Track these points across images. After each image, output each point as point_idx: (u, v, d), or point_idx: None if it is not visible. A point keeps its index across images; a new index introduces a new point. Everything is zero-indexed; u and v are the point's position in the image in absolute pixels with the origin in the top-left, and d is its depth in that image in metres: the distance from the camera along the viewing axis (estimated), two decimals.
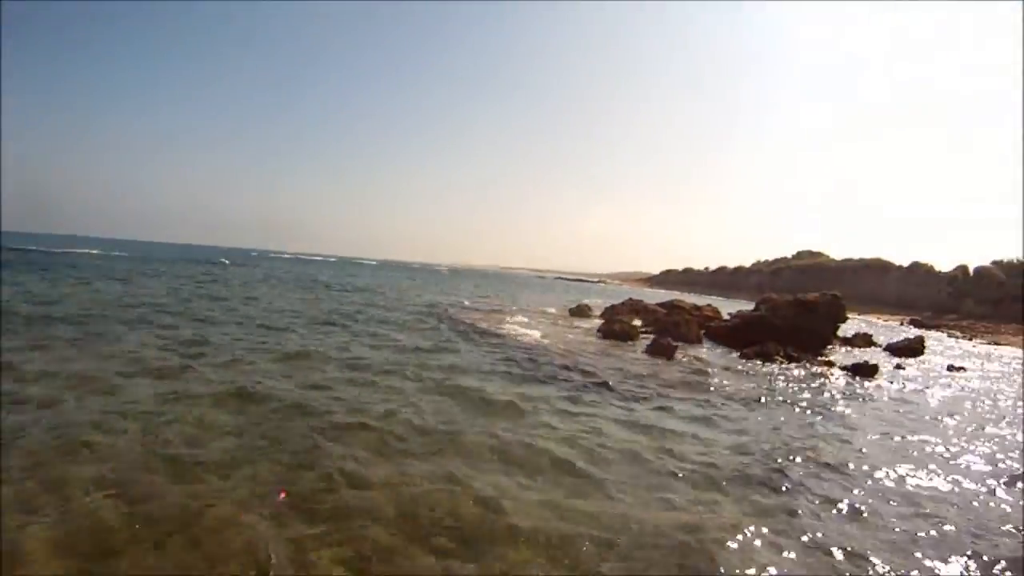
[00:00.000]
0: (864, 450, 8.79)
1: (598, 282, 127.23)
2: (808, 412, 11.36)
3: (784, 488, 6.73)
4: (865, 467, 7.84)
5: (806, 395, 13.10)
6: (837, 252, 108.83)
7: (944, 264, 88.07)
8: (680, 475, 6.80)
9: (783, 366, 16.90)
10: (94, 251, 64.48)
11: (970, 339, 43.89)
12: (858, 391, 14.27)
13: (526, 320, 24.07)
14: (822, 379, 15.48)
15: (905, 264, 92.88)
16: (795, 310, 21.47)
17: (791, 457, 7.93)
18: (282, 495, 5.27)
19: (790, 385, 14.23)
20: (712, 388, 12.77)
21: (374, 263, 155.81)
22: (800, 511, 6.07)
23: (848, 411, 11.77)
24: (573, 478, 6.45)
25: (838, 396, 13.34)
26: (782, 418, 10.61)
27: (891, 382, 16.27)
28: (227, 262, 63.66)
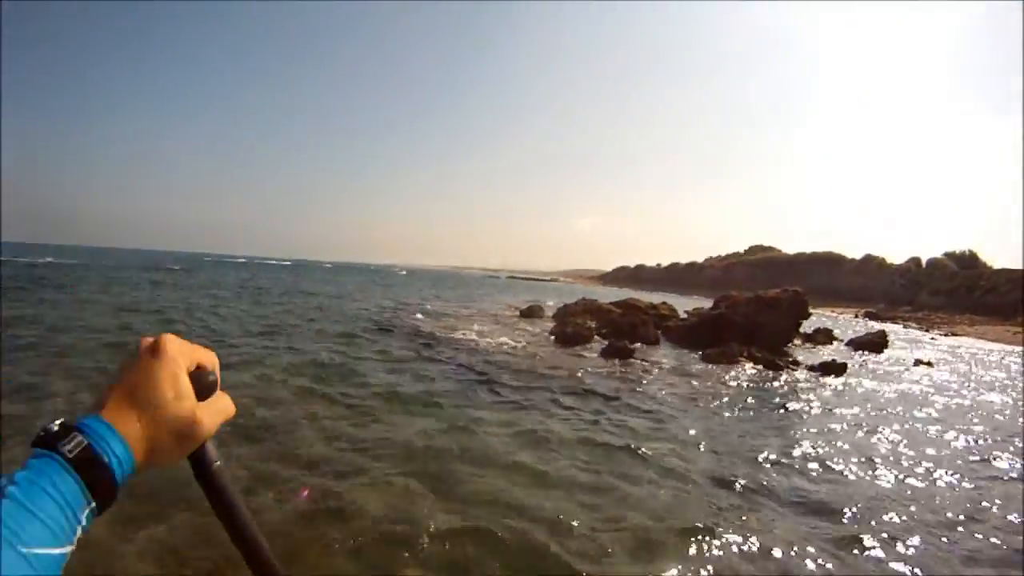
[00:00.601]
0: (853, 462, 7.49)
1: (551, 281, 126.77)
2: (777, 418, 10.20)
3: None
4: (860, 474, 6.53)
5: (774, 399, 11.80)
6: (789, 247, 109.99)
7: (896, 256, 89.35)
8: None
9: (747, 368, 15.61)
10: (45, 259, 60.86)
11: (927, 330, 43.88)
12: (830, 393, 13.08)
13: (474, 324, 22.44)
14: (790, 381, 14.20)
15: (858, 257, 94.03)
16: (756, 307, 20.30)
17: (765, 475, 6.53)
18: (305, 493, 4.90)
19: (757, 390, 12.87)
20: (673, 395, 11.37)
21: (329, 266, 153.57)
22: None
23: (822, 415, 10.63)
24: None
25: (810, 399, 12.07)
26: (752, 428, 9.22)
27: (862, 381, 15.23)
28: (177, 267, 61.65)
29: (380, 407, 8.72)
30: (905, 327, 45.50)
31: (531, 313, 27.15)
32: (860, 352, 22.74)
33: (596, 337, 19.18)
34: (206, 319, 18.14)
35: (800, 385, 13.79)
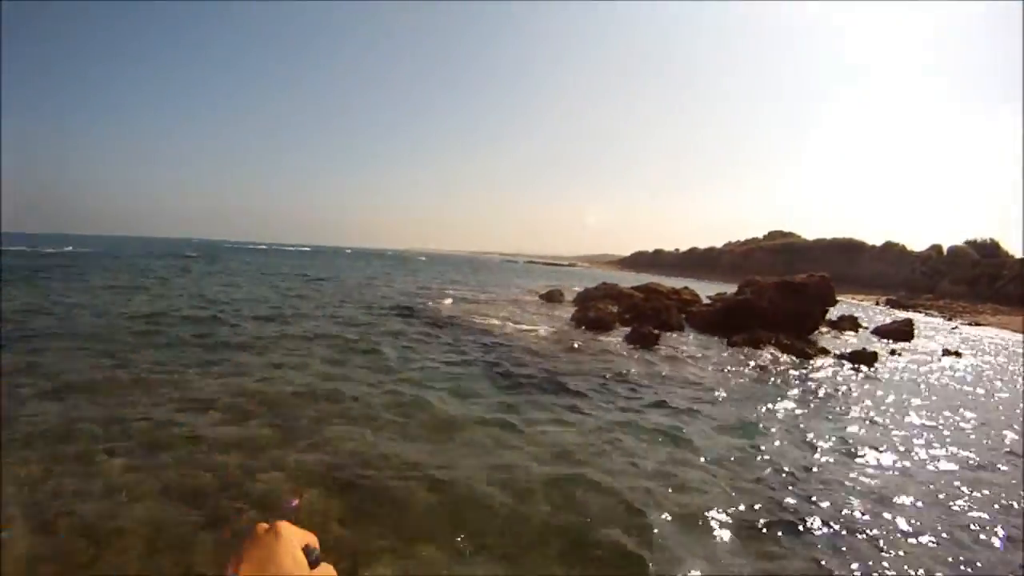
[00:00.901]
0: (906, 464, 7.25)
1: (569, 265, 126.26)
2: (814, 408, 9.94)
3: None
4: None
5: (807, 389, 11.56)
6: (809, 232, 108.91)
7: (917, 244, 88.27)
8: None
9: (776, 356, 15.34)
10: (67, 249, 61.34)
11: (949, 319, 43.22)
12: (863, 382, 12.80)
13: (498, 310, 22.30)
14: (821, 370, 13.94)
15: (878, 244, 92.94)
16: (782, 293, 19.92)
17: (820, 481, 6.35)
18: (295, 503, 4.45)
19: (788, 378, 12.63)
20: (702, 383, 11.15)
21: (349, 251, 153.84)
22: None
23: (858, 406, 10.35)
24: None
25: (844, 390, 11.82)
26: (790, 418, 9.01)
27: (893, 370, 14.97)
28: (194, 254, 61.74)
29: (412, 394, 8.64)
30: (927, 315, 44.89)
31: (552, 298, 26.96)
32: (886, 340, 22.37)
33: (619, 323, 18.96)
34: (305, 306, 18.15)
35: (831, 375, 13.53)
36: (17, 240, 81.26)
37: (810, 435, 8.12)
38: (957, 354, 19.68)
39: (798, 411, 9.66)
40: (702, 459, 6.70)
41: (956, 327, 35.97)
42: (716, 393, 10.40)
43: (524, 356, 12.56)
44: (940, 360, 18.13)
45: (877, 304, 55.76)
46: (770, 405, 9.88)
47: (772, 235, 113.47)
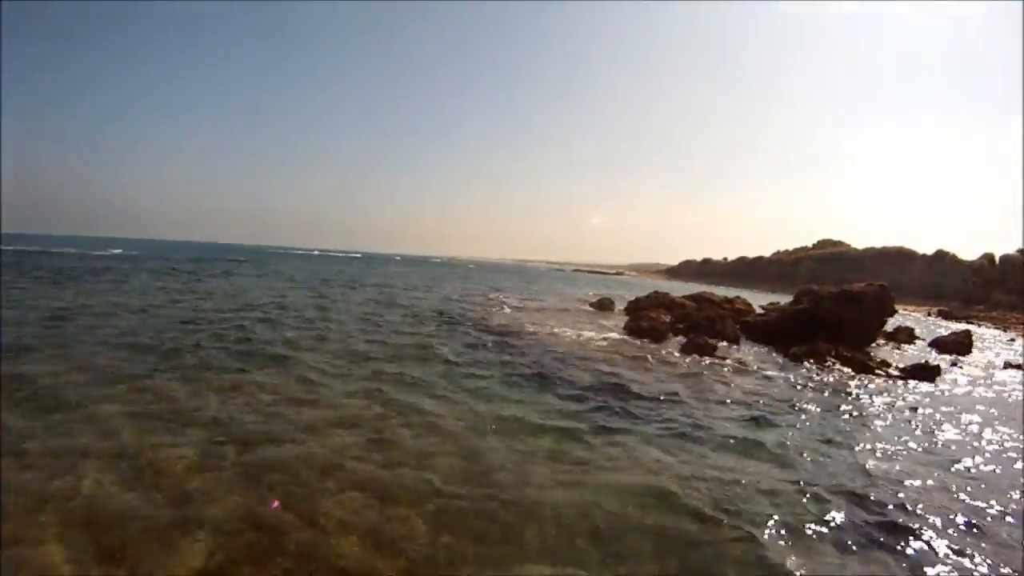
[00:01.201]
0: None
1: (616, 274, 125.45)
2: (888, 427, 9.80)
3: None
4: None
5: (878, 404, 11.51)
6: (859, 241, 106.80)
7: (969, 252, 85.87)
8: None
9: (837, 368, 15.18)
10: (115, 250, 63.59)
11: (1004, 330, 42.08)
12: (930, 399, 12.57)
13: (548, 319, 22.48)
14: (885, 384, 13.78)
15: (929, 252, 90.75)
16: (840, 302, 19.65)
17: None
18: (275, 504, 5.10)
19: (855, 394, 12.43)
20: (767, 397, 11.14)
21: (399, 258, 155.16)
22: None
23: (932, 424, 10.15)
24: None
25: (912, 406, 11.60)
26: (872, 437, 8.96)
27: (956, 385, 14.70)
28: (242, 259, 63.55)
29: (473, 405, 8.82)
30: (981, 327, 43.75)
31: (603, 306, 27.08)
32: (945, 354, 21.93)
33: (672, 333, 18.95)
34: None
35: (898, 389, 13.35)
36: (60, 242, 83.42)
37: (890, 449, 8.18)
38: (1020, 367, 19.23)
39: (874, 425, 9.66)
40: (802, 473, 6.81)
41: (1012, 339, 35.05)
42: (785, 406, 10.46)
43: (583, 367, 12.75)
44: (1002, 373, 17.74)
45: (929, 315, 54.42)
46: (843, 419, 9.91)
47: (822, 243, 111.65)
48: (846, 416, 10.22)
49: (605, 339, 17.49)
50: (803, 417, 9.85)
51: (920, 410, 11.23)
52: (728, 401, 10.51)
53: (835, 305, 19.60)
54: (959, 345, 22.77)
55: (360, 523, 4.80)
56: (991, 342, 30.40)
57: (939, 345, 23.34)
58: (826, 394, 12.05)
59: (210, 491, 5.19)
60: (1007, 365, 19.52)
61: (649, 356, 14.86)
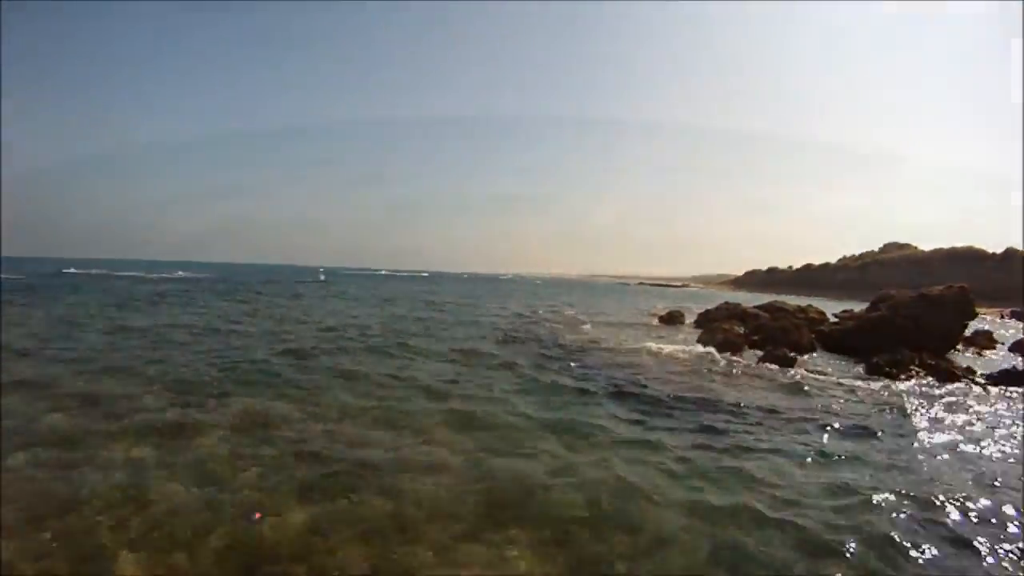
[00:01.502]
0: None
1: (681, 286, 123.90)
2: (995, 441, 9.42)
3: None
4: None
5: (971, 414, 11.25)
6: (926, 243, 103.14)
7: None
8: None
9: (922, 377, 14.88)
10: (180, 273, 66.70)
11: None
12: None
13: (619, 332, 22.74)
14: (975, 393, 13.41)
15: (998, 251, 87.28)
16: (919, 307, 19.20)
17: None
18: (257, 516, 5.42)
19: (949, 404, 12.06)
20: (857, 410, 11.14)
21: (466, 276, 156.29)
22: None
23: None
24: None
25: (1012, 416, 11.30)
26: (975, 451, 8.71)
27: None
28: (323, 277, 66.67)
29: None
30: None
31: (673, 319, 27.15)
32: None
33: (747, 344, 18.91)
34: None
35: (989, 398, 12.97)
36: (124, 266, 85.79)
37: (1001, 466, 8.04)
38: None
39: (977, 438, 9.41)
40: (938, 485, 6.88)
41: None
42: (878, 419, 10.46)
43: (664, 381, 13.06)
44: None
45: (1002, 317, 52.16)
46: (941, 432, 9.82)
47: (888, 247, 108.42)
48: (936, 426, 10.20)
49: (681, 352, 17.66)
50: (911, 429, 9.85)
51: (1007, 417, 11.05)
52: (829, 414, 10.56)
53: (915, 310, 19.20)
54: None
55: None
56: None
57: (1021, 348, 22.55)
58: (910, 403, 11.94)
59: None
60: None
61: (728, 369, 15.01)
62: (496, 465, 6.97)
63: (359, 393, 10.44)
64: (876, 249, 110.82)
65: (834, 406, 11.28)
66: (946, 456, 8.30)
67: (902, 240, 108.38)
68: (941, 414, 11.16)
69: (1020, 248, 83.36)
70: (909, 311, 19.25)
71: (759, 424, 9.63)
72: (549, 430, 8.65)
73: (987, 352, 21.93)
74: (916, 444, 8.96)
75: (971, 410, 11.67)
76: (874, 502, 6.30)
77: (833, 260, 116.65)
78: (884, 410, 11.18)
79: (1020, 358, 21.02)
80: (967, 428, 10.16)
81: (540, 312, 31.74)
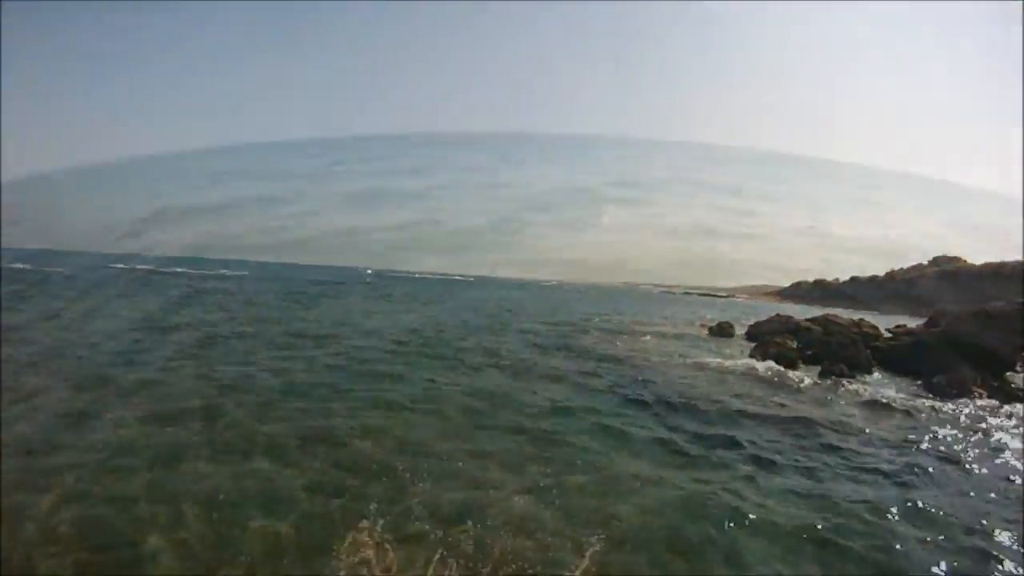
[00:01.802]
0: None
1: (727, 297, 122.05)
2: None
3: None
4: None
5: None
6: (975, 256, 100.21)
7: None
8: None
9: (986, 399, 14.79)
10: (222, 271, 66.70)
11: None
12: None
13: (668, 344, 22.81)
14: None
15: None
16: (979, 324, 18.82)
17: None
18: None
19: (1014, 430, 12.07)
20: (931, 432, 11.20)
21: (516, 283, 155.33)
22: None
23: None
24: None
25: None
26: None
27: None
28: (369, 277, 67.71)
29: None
30: None
31: (722, 331, 26.95)
32: None
33: (801, 360, 18.78)
34: None
35: None
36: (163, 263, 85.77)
37: None
38: None
39: None
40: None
41: None
42: (946, 445, 10.52)
43: (719, 397, 13.18)
44: None
45: None
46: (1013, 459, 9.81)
47: (937, 260, 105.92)
48: (1006, 454, 10.18)
49: (734, 366, 17.67)
50: (963, 456, 9.90)
51: None
52: (880, 438, 10.67)
53: (974, 327, 18.84)
54: None
55: None
56: None
57: None
58: (978, 429, 11.89)
59: None
60: None
61: (784, 386, 15.07)
62: None
63: None
64: (925, 263, 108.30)
65: (892, 428, 11.36)
66: None
67: (951, 254, 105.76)
68: (1007, 439, 11.14)
69: None
70: (967, 327, 18.91)
71: (835, 444, 9.81)
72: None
73: None
74: (984, 477, 8.97)
75: None
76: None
77: (880, 273, 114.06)
78: (941, 434, 11.22)
79: None
80: None
81: (591, 321, 31.73)
